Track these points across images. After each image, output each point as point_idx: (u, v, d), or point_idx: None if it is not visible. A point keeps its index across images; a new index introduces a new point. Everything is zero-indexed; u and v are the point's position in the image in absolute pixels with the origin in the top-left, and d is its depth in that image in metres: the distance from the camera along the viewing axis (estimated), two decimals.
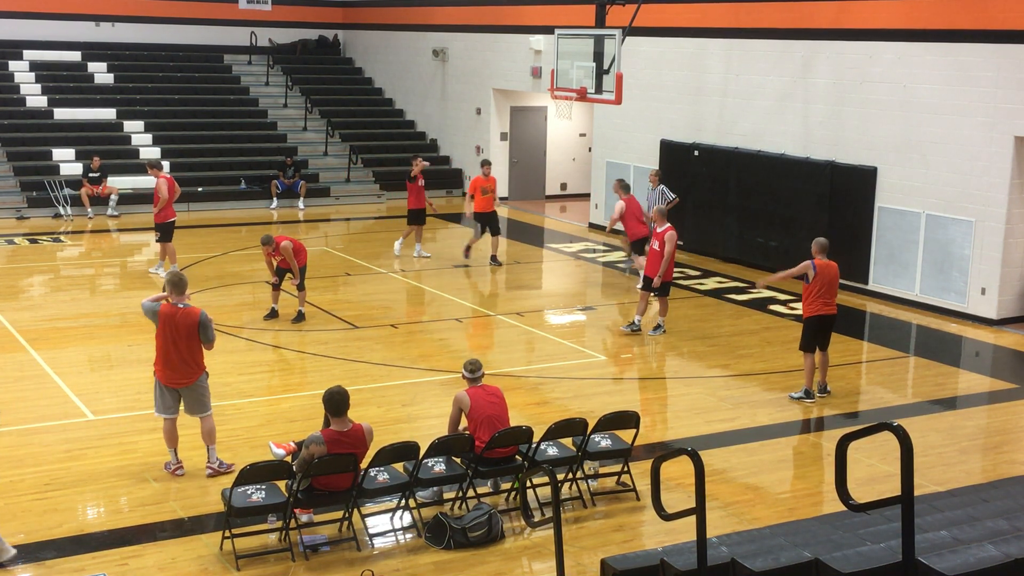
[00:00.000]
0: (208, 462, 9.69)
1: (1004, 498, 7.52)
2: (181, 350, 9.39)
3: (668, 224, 14.57)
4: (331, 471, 8.23)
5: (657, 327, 14.83)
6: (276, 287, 15.01)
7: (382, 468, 8.62)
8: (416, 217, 19.19)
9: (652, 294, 14.76)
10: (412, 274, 18.15)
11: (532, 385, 12.64)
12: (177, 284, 9.44)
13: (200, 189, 23.90)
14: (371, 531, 8.64)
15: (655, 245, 14.57)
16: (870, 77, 17.02)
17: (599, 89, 17.05)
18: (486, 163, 19.27)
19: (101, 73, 27.57)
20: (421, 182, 18.94)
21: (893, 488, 5.27)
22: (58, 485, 9.43)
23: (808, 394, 12.19)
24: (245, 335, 14.25)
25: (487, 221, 18.94)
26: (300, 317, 14.90)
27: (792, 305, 16.63)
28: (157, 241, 17.68)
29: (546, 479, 7.65)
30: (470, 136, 26.76)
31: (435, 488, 9.11)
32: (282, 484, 8.33)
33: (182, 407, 9.67)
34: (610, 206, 22.27)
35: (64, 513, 8.92)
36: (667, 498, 6.34)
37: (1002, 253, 15.41)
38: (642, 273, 15.12)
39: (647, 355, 14.42)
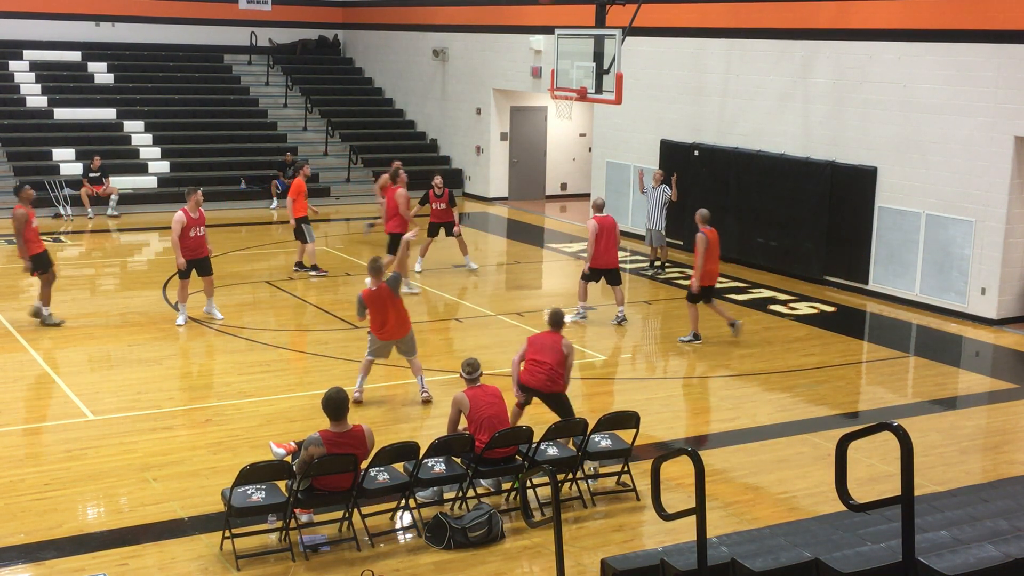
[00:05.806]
0: (422, 390, 11.76)
1: (1004, 498, 7.50)
2: (392, 312, 11.60)
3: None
4: (331, 471, 8.23)
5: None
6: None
7: (382, 468, 8.62)
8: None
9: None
10: (411, 274, 18.12)
11: None
12: (374, 269, 11.69)
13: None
14: (371, 531, 8.64)
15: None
16: (870, 77, 17.02)
17: (599, 89, 17.03)
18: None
19: (101, 73, 27.56)
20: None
21: (893, 488, 5.27)
22: (58, 485, 9.43)
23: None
24: (245, 335, 14.25)
25: None
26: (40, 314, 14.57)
27: (792, 305, 16.63)
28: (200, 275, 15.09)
29: (546, 479, 7.64)
30: (470, 136, 26.76)
31: (435, 488, 9.11)
32: (282, 484, 8.33)
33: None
34: (611, 206, 22.26)
35: (64, 513, 8.91)
36: (667, 498, 6.34)
37: (1002, 253, 15.41)
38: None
39: (647, 355, 14.42)
